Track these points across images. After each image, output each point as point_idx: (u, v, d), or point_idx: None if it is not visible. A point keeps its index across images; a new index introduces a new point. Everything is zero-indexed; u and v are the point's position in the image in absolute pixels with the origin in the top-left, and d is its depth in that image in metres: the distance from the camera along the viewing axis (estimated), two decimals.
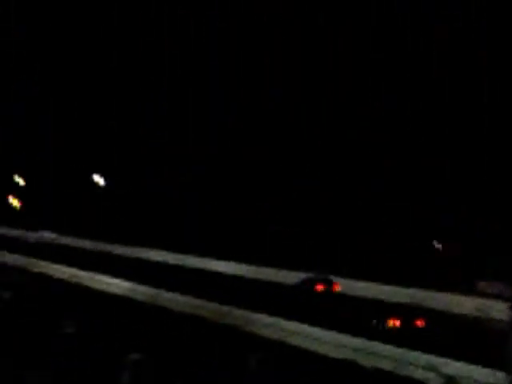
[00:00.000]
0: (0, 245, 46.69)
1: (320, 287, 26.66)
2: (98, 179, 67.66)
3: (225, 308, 26.01)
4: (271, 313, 24.35)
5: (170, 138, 63.08)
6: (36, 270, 37.19)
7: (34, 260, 39.38)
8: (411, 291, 25.29)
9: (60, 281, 33.44)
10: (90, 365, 15.26)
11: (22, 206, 73.24)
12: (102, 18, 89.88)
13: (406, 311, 23.15)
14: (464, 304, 22.99)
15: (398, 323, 22.35)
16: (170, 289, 29.81)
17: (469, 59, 63.25)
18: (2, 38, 65.25)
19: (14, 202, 72.99)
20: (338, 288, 26.62)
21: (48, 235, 56.70)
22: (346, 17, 73.00)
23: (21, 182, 77.62)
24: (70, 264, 36.72)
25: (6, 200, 72.42)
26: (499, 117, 60.03)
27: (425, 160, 54.82)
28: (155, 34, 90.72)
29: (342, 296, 26.46)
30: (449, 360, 18.86)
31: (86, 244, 50.42)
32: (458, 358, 18.61)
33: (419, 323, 21.86)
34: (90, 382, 14.54)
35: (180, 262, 41.69)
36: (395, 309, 23.66)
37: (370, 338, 19.99)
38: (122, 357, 15.21)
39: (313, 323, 23.03)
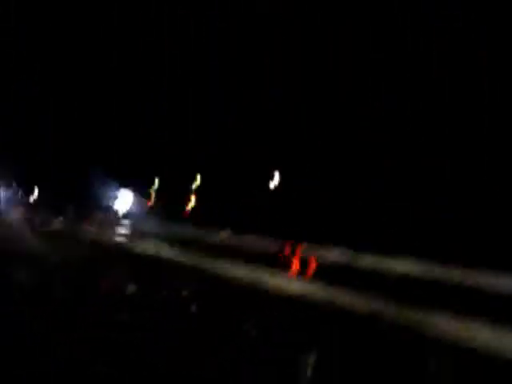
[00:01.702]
0: (178, 245, 48.45)
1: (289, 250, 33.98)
2: (276, 177, 68.63)
3: (403, 310, 26.01)
4: None
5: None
6: (214, 270, 38.28)
7: (212, 259, 40.56)
8: None
9: (239, 280, 34.38)
10: (274, 368, 15.72)
11: (198, 206, 75.48)
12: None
13: None
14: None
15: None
16: (346, 288, 30.08)
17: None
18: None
19: (192, 200, 75.27)
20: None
21: (224, 234, 58.25)
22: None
23: (198, 181, 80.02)
24: (247, 262, 37.63)
25: (186, 199, 74.98)
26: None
27: None
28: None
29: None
30: None
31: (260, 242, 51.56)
32: None
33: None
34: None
35: (353, 262, 41.97)
36: None
37: None
38: (303, 356, 15.60)
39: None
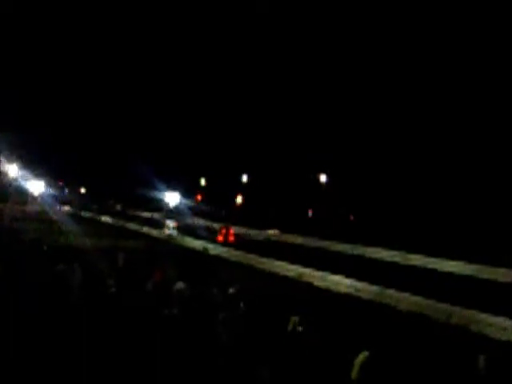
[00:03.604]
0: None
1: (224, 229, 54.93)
2: (322, 177, 68.82)
3: (451, 308, 25.74)
4: None
5: None
6: (261, 266, 38.20)
7: (258, 257, 40.48)
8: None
9: (286, 278, 34.20)
10: (320, 363, 15.56)
11: (245, 204, 75.86)
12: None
13: None
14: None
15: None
16: (395, 287, 29.85)
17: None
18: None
19: (238, 199, 75.58)
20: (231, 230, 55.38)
21: (272, 232, 58.42)
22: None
23: (244, 179, 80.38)
24: (295, 261, 37.40)
25: (233, 198, 75.51)
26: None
27: None
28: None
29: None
30: None
31: (310, 242, 51.39)
32: None
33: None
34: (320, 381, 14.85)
35: (405, 261, 41.57)
36: None
37: None
38: (351, 355, 15.37)
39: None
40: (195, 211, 67.16)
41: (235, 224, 61.59)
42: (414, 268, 38.90)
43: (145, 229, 60.98)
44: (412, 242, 43.74)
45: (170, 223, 55.54)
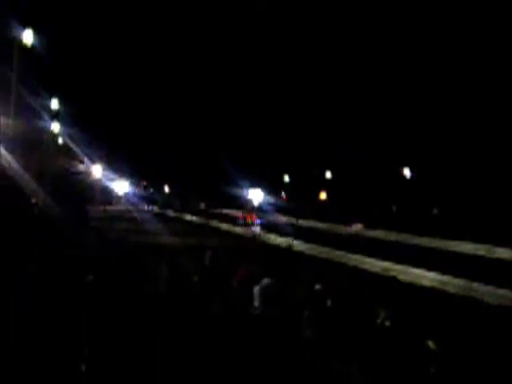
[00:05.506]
0: (310, 238, 48.52)
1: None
2: (406, 172, 68.36)
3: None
4: None
5: None
6: (346, 261, 38.13)
7: (344, 253, 40.35)
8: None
9: (372, 274, 34.03)
10: (399, 357, 15.37)
11: (329, 200, 76.05)
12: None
13: None
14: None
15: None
16: (482, 281, 29.41)
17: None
18: None
19: (322, 195, 75.90)
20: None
21: (356, 228, 58.18)
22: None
23: (328, 175, 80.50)
24: (380, 256, 37.18)
25: (317, 194, 75.80)
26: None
27: None
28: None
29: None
30: None
31: (394, 236, 50.94)
32: None
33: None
34: (399, 374, 14.67)
35: (488, 254, 40.79)
36: None
37: None
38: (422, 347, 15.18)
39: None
40: (279, 208, 67.32)
41: (319, 220, 61.75)
42: (500, 261, 38.14)
43: (229, 227, 61.50)
44: (499, 236, 42.82)
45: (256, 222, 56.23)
